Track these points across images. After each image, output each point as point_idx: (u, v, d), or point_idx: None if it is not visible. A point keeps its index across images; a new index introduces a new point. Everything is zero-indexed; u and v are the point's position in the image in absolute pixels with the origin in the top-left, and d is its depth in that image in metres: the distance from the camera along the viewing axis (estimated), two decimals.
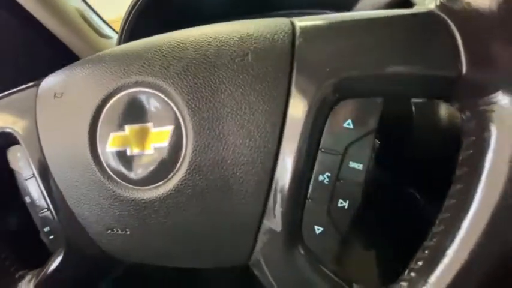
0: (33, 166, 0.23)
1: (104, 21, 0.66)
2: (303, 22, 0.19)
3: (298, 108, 0.17)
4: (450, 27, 0.15)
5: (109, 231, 0.22)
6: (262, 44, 0.18)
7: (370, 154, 0.17)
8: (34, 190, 0.24)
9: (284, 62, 0.17)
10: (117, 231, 0.21)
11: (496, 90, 0.14)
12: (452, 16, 0.15)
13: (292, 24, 0.19)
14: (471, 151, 0.15)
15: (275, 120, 0.17)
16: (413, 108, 0.38)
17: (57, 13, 0.55)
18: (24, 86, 0.25)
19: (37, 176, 0.23)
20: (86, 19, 0.59)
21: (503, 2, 0.13)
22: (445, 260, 0.14)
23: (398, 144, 0.40)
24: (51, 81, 0.23)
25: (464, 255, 0.14)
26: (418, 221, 0.43)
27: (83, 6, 0.62)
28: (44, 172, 0.23)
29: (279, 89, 0.17)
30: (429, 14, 0.16)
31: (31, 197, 0.24)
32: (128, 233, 0.21)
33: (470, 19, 0.14)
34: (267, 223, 0.18)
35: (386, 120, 0.43)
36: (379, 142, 0.36)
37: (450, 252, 0.14)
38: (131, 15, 0.45)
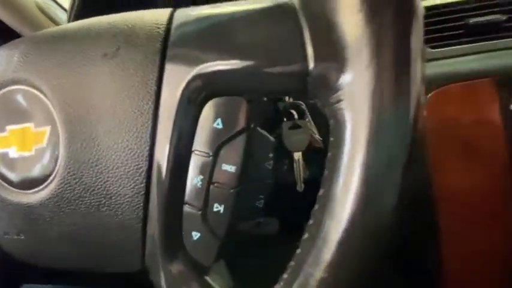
0: None
1: (66, 11, 0.64)
2: (183, 13, 0.17)
3: (167, 108, 0.16)
4: (300, 20, 0.14)
5: (6, 236, 0.21)
6: (136, 37, 0.17)
7: (242, 156, 0.16)
8: None
9: (154, 57, 0.16)
10: (13, 235, 0.21)
11: (343, 86, 0.13)
12: (304, 8, 0.14)
13: (172, 15, 0.17)
14: (331, 153, 0.14)
15: (146, 120, 0.16)
16: None
17: (11, 6, 0.53)
18: None
19: None
20: (43, 10, 0.57)
21: None
22: (304, 275, 0.13)
23: None
24: None
25: (320, 273, 0.13)
26: None
27: None
28: None
29: (149, 87, 0.16)
30: (285, 6, 0.14)
31: None
32: (22, 237, 0.20)
33: (317, 11, 0.13)
34: (149, 229, 0.17)
35: None
36: (321, 138, 0.35)
37: (307, 266, 0.13)
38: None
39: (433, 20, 0.36)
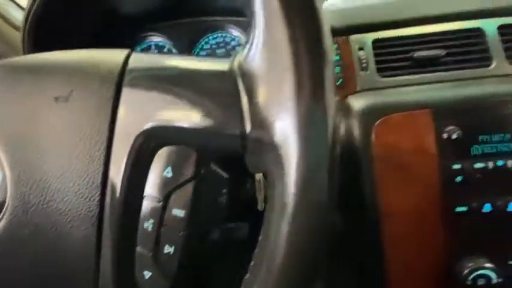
0: None
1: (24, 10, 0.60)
2: (137, 58, 0.18)
3: (119, 155, 0.16)
4: (239, 87, 0.15)
5: None
6: (90, 80, 0.17)
7: (191, 200, 0.17)
8: None
9: (107, 104, 0.17)
10: None
11: (277, 147, 0.14)
12: (242, 76, 0.15)
13: (127, 59, 0.18)
14: (269, 203, 0.15)
15: (97, 166, 0.17)
16: None
17: None
18: None
19: None
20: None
21: (271, 71, 0.14)
22: None
23: None
24: None
25: None
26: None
27: None
28: None
29: (101, 134, 0.17)
30: (228, 72, 0.16)
31: None
32: None
33: (252, 79, 0.15)
34: (102, 269, 0.18)
35: None
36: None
37: None
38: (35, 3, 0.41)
39: (384, 51, 0.39)
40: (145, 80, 0.17)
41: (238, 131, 0.15)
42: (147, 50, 0.57)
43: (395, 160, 0.34)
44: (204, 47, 0.57)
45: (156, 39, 0.56)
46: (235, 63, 0.16)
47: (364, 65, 0.39)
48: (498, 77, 0.38)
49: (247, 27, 0.17)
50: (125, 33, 0.54)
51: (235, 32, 0.52)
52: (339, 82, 0.39)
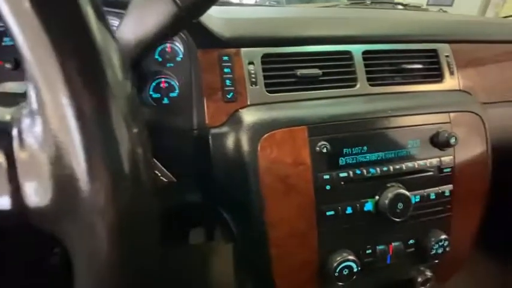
0: None
1: None
2: None
3: None
4: (14, 151, 0.13)
5: None
6: None
7: None
8: None
9: None
10: None
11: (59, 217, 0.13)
12: (18, 138, 0.13)
13: None
14: None
15: None
16: (211, 140, 0.39)
17: None
18: None
19: None
20: None
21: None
22: None
23: (205, 171, 0.41)
24: None
25: None
26: (230, 235, 0.47)
27: None
28: None
29: None
30: (4, 129, 0.13)
31: None
32: None
33: (29, 144, 0.13)
34: None
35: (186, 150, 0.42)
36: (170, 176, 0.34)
37: None
38: None
39: (272, 66, 0.41)
40: None
41: (12, 204, 0.12)
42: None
43: (278, 172, 0.37)
44: None
45: None
46: (16, 115, 0.13)
47: (253, 80, 0.40)
48: (362, 96, 0.45)
49: None
50: None
51: (115, 23, 0.47)
52: (230, 95, 0.39)
